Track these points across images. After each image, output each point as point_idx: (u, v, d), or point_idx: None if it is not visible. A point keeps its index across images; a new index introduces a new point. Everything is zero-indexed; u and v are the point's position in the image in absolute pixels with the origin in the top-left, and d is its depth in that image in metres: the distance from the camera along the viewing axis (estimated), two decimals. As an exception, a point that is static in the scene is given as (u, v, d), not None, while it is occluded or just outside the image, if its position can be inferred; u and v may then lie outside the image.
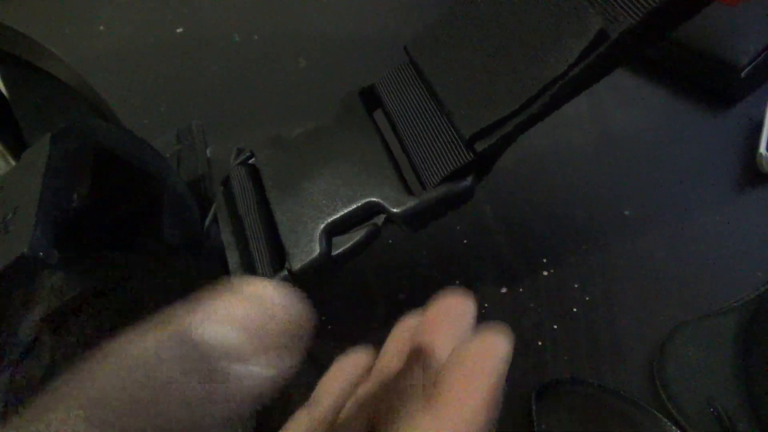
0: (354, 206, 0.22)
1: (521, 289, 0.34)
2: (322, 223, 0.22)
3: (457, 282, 0.24)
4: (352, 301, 0.33)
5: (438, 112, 0.21)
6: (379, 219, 0.22)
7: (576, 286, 0.33)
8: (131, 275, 0.25)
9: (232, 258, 0.24)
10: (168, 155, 0.32)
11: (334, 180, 0.23)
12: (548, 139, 0.40)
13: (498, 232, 0.36)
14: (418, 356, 0.18)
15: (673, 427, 0.28)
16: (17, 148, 0.33)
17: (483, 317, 0.26)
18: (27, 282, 0.19)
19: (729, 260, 0.33)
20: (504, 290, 0.34)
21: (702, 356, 0.29)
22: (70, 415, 0.11)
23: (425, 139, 0.21)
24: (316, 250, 0.21)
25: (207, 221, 0.28)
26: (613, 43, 0.17)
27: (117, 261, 0.25)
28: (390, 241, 0.33)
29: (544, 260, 0.35)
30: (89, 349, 0.24)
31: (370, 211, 0.22)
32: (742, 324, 0.30)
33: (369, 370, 0.20)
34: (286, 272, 0.22)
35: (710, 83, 0.39)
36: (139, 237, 0.25)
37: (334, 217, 0.22)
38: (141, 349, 0.12)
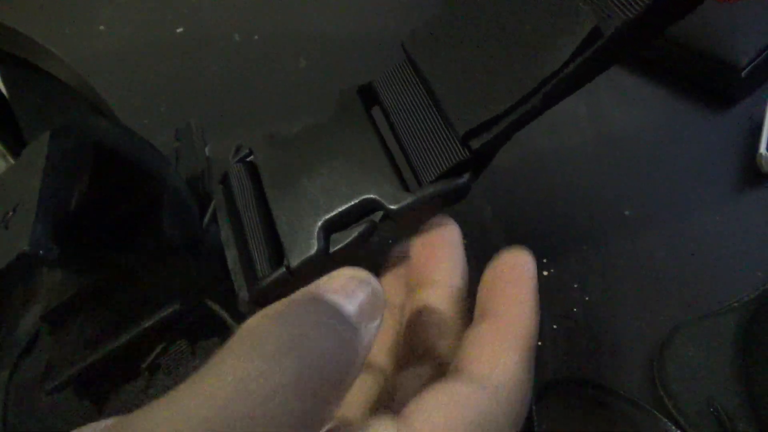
0: (351, 203, 0.22)
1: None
2: (320, 220, 0.22)
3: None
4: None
5: (434, 110, 0.21)
6: (376, 216, 0.22)
7: (576, 286, 0.33)
8: (131, 274, 0.25)
9: (231, 255, 0.24)
10: (167, 154, 0.32)
11: (331, 177, 0.23)
12: (548, 139, 0.40)
13: (498, 232, 0.36)
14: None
15: (673, 427, 0.28)
16: (17, 148, 0.33)
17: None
18: (27, 278, 0.19)
19: (729, 260, 0.33)
20: (504, 290, 0.34)
21: (702, 356, 0.29)
22: None
23: (422, 136, 0.21)
24: (314, 246, 0.21)
25: (206, 219, 0.28)
26: (607, 41, 0.17)
27: (117, 259, 0.25)
28: (390, 241, 0.33)
29: (544, 260, 0.35)
30: (88, 347, 0.24)
31: (368, 207, 0.22)
32: (742, 324, 0.30)
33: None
34: (284, 269, 0.22)
35: (710, 83, 0.39)
36: (138, 236, 0.25)
37: (332, 214, 0.22)
38: None
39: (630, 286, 0.33)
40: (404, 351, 0.22)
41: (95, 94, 0.31)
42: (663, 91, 0.40)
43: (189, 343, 0.24)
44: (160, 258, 0.25)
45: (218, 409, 0.12)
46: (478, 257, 0.35)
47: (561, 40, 0.18)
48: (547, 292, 0.34)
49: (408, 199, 0.21)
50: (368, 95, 0.24)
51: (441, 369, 0.20)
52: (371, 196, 0.22)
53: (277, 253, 0.23)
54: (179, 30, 0.54)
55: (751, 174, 0.35)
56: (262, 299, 0.23)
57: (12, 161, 0.33)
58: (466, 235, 0.25)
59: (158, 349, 0.24)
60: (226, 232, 0.25)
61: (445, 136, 0.21)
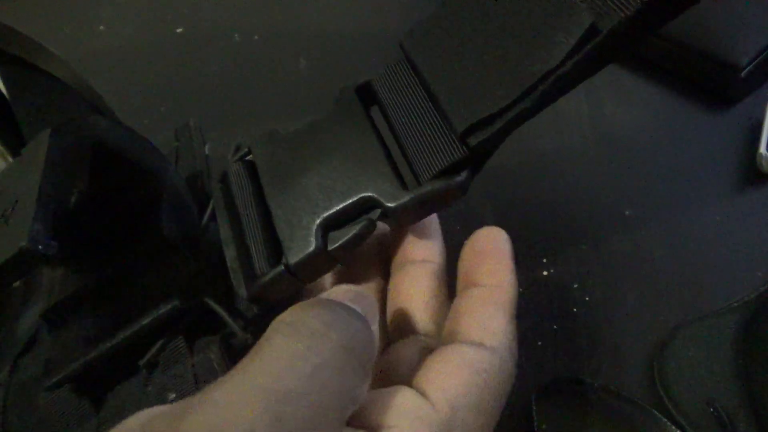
0: (349, 201, 0.22)
1: (521, 289, 0.34)
2: (318, 218, 0.22)
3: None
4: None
5: (432, 108, 0.21)
6: (374, 214, 0.22)
7: (576, 286, 0.33)
8: (130, 272, 0.25)
9: (229, 253, 0.24)
10: (167, 153, 0.32)
11: (329, 175, 0.23)
12: (548, 139, 0.40)
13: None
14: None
15: (673, 427, 0.28)
16: (17, 148, 0.32)
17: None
18: (27, 274, 0.19)
19: (729, 260, 0.33)
20: (504, 290, 0.34)
21: (702, 356, 0.29)
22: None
23: (420, 134, 0.21)
24: (312, 244, 0.22)
25: (205, 218, 0.28)
26: (604, 38, 0.17)
27: (116, 257, 0.25)
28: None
29: (544, 260, 0.35)
30: (87, 345, 0.24)
31: (366, 205, 0.22)
32: (742, 324, 0.30)
33: None
34: (282, 266, 0.22)
35: (710, 83, 0.39)
36: (137, 234, 0.25)
37: (330, 212, 0.22)
38: None
39: (630, 286, 0.33)
40: (393, 327, 0.23)
41: (95, 94, 0.31)
42: (663, 91, 0.40)
43: (187, 341, 0.24)
44: (159, 256, 0.25)
45: (273, 383, 0.14)
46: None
47: (558, 37, 0.18)
48: (547, 292, 0.34)
49: (405, 198, 0.21)
50: (366, 94, 0.24)
51: (429, 339, 0.22)
52: (369, 194, 0.22)
53: (276, 250, 0.23)
54: (179, 30, 0.54)
55: (751, 174, 0.35)
56: (260, 297, 0.23)
57: (12, 161, 0.33)
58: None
59: (156, 347, 0.24)
60: (225, 231, 0.25)
61: (442, 134, 0.21)
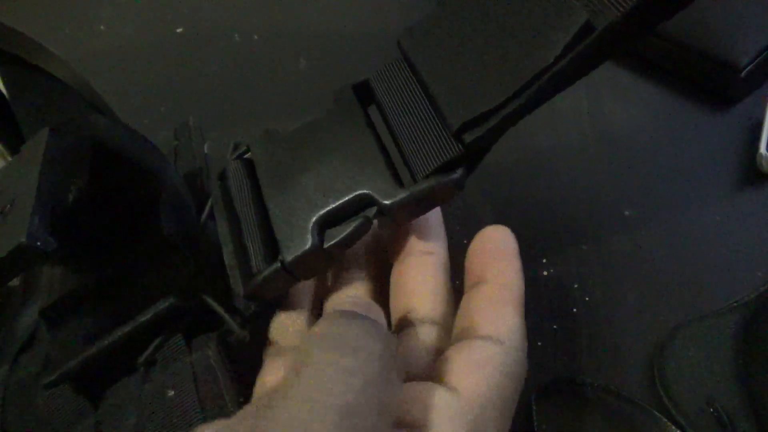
0: (345, 198, 0.22)
1: (521, 289, 0.34)
2: (314, 215, 0.22)
3: (457, 282, 0.24)
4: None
5: (429, 106, 0.21)
6: (370, 211, 0.22)
7: (576, 286, 0.33)
8: (129, 270, 0.25)
9: (227, 251, 0.24)
10: (166, 152, 0.32)
11: (326, 173, 0.23)
12: (548, 139, 0.40)
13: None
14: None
15: (673, 427, 0.28)
16: (17, 148, 0.33)
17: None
18: (25, 270, 0.19)
19: (729, 260, 0.33)
20: (504, 290, 0.34)
21: (702, 356, 0.29)
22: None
23: (416, 131, 0.21)
24: (308, 242, 0.22)
25: (203, 216, 0.28)
26: (599, 35, 0.17)
27: (115, 256, 0.25)
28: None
29: (544, 260, 0.35)
30: (86, 342, 0.24)
31: (362, 203, 0.22)
32: (742, 324, 0.30)
33: None
34: (278, 264, 0.22)
35: (710, 83, 0.39)
36: (137, 232, 0.25)
37: (326, 209, 0.22)
38: None
39: (630, 286, 0.33)
40: (398, 315, 0.23)
41: (95, 94, 0.31)
42: (663, 91, 0.40)
43: (185, 339, 0.24)
44: (158, 255, 0.25)
45: (335, 399, 0.15)
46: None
47: (553, 34, 0.18)
48: (547, 292, 0.34)
49: (401, 195, 0.21)
50: (364, 92, 0.24)
51: (437, 328, 0.22)
52: (365, 191, 0.22)
53: (273, 248, 0.23)
54: (179, 30, 0.54)
55: (751, 174, 0.35)
56: (257, 294, 0.23)
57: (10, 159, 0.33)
58: (466, 235, 0.25)
59: (154, 344, 0.24)
60: (223, 228, 0.25)
61: (438, 132, 0.21)
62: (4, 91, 0.30)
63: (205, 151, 0.33)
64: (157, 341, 0.24)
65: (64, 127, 0.21)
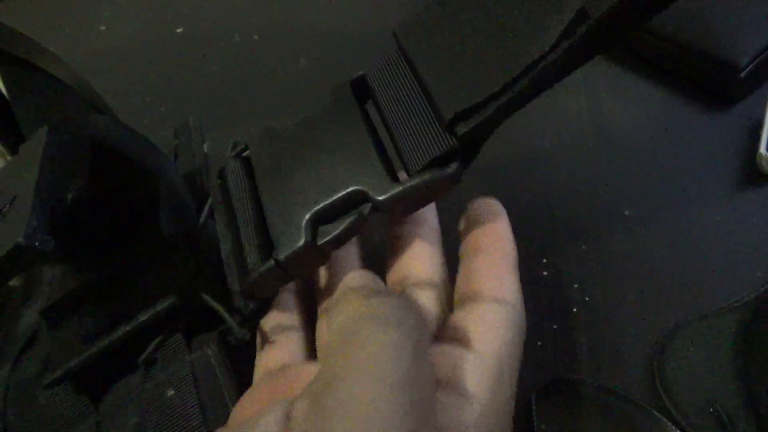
0: (339, 195, 0.22)
1: (521, 289, 0.34)
2: (308, 212, 0.22)
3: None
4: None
5: (424, 99, 0.21)
6: (365, 208, 0.22)
7: (576, 286, 0.33)
8: (128, 269, 0.25)
9: (225, 248, 0.24)
10: (166, 151, 0.32)
11: (321, 169, 0.23)
12: (548, 139, 0.40)
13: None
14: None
15: (673, 427, 0.28)
16: (17, 148, 0.33)
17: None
18: (24, 270, 0.19)
19: (729, 260, 0.33)
20: (504, 290, 0.34)
21: (702, 356, 0.29)
22: None
23: (410, 125, 0.21)
24: (302, 239, 0.22)
25: (203, 215, 0.28)
26: (595, 24, 0.17)
27: (115, 256, 0.25)
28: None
29: (544, 260, 0.35)
30: (86, 342, 0.24)
31: (356, 199, 0.22)
32: (742, 324, 0.30)
33: None
34: (272, 261, 0.22)
35: (710, 83, 0.39)
36: (137, 231, 0.25)
37: (320, 206, 0.22)
38: None
39: (630, 286, 0.33)
40: (395, 277, 0.24)
41: (95, 94, 0.31)
42: (663, 91, 0.40)
43: (184, 338, 0.24)
44: (158, 254, 0.25)
45: (391, 375, 0.16)
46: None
47: (548, 23, 0.18)
48: (547, 292, 0.34)
49: (394, 190, 0.21)
50: (362, 87, 0.24)
51: (438, 294, 0.23)
52: (359, 187, 0.21)
53: (268, 246, 0.23)
54: (179, 30, 0.54)
55: (751, 174, 0.35)
56: (252, 291, 0.23)
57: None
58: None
59: (154, 344, 0.24)
60: (221, 227, 0.25)
61: (432, 125, 0.20)
62: (4, 91, 0.30)
63: (205, 150, 0.33)
64: (157, 340, 0.24)
65: (62, 126, 0.21)
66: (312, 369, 0.21)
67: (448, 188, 0.21)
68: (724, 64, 0.37)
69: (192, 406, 0.22)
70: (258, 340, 0.25)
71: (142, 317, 0.23)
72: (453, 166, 0.20)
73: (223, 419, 0.22)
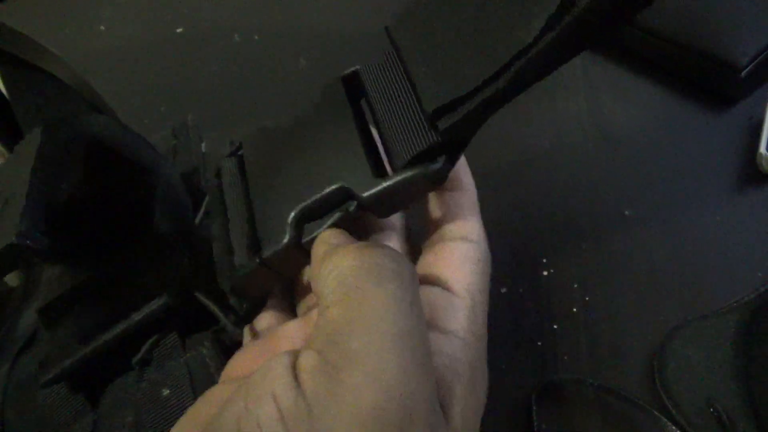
0: (324, 192, 0.21)
1: (521, 289, 0.34)
2: (294, 210, 0.22)
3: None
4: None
5: (412, 94, 0.21)
6: (350, 205, 0.21)
7: (576, 286, 0.33)
8: (124, 268, 0.25)
9: (217, 247, 0.24)
10: (165, 151, 0.32)
11: (308, 167, 0.22)
12: (548, 139, 0.40)
13: (498, 232, 0.36)
14: None
15: (673, 427, 0.28)
16: (17, 148, 0.33)
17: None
18: (17, 268, 0.19)
19: (729, 260, 0.33)
20: (504, 290, 0.34)
21: (702, 356, 0.29)
22: None
23: (398, 121, 0.21)
24: (286, 237, 0.21)
25: (200, 214, 0.28)
26: (579, 15, 0.16)
27: (111, 254, 0.25)
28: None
29: (544, 260, 0.35)
30: (82, 341, 0.24)
31: (341, 196, 0.21)
32: (742, 324, 0.30)
33: None
34: (258, 259, 0.22)
35: (710, 83, 0.39)
36: (133, 229, 0.25)
37: (305, 203, 0.22)
38: None
39: (630, 286, 0.33)
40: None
41: (95, 94, 0.32)
42: (663, 91, 0.40)
43: (179, 336, 0.24)
44: (153, 252, 0.25)
45: (394, 327, 0.16)
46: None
47: (531, 15, 0.17)
48: (547, 292, 0.34)
49: (377, 187, 0.21)
50: (355, 84, 0.24)
51: (401, 237, 0.24)
52: (343, 184, 0.21)
53: (256, 244, 0.23)
54: (179, 30, 0.54)
55: (751, 174, 0.35)
56: (240, 289, 0.23)
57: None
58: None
59: (149, 343, 0.24)
60: (215, 225, 0.25)
61: (417, 120, 0.20)
62: (4, 91, 0.30)
63: (203, 150, 0.33)
64: (152, 340, 0.24)
65: (57, 125, 0.21)
66: (295, 325, 0.22)
67: (434, 184, 0.21)
68: (724, 64, 0.37)
69: (188, 405, 0.22)
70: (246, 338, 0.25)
71: (137, 316, 0.23)
72: (439, 162, 0.20)
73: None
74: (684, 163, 0.37)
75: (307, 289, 0.25)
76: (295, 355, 0.17)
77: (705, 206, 0.35)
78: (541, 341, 0.32)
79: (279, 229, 0.22)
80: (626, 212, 0.36)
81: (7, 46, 0.28)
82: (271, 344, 0.22)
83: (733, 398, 0.28)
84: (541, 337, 0.32)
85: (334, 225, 0.21)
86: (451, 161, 0.20)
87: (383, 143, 0.22)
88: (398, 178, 0.20)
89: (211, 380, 0.23)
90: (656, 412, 0.28)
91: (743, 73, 0.36)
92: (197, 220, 0.28)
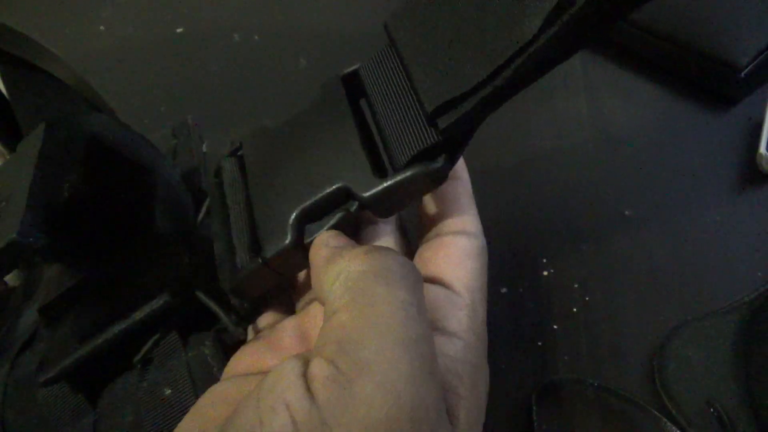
0: (324, 192, 0.21)
1: (521, 289, 0.34)
2: (295, 210, 0.22)
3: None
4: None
5: (411, 92, 0.21)
6: (351, 205, 0.21)
7: (576, 286, 0.33)
8: (124, 266, 0.25)
9: (218, 247, 0.24)
10: (165, 151, 0.32)
11: (308, 167, 0.22)
12: (548, 139, 0.40)
13: (498, 232, 0.36)
14: None
15: (673, 427, 0.28)
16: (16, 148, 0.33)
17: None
18: (17, 266, 0.20)
19: (729, 260, 0.33)
20: (504, 290, 0.34)
21: (702, 356, 0.29)
22: None
23: (397, 120, 0.21)
24: (288, 237, 0.21)
25: (201, 214, 0.28)
26: (578, 11, 0.16)
27: (112, 253, 0.25)
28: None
29: (544, 260, 0.35)
30: (82, 340, 0.24)
31: (342, 196, 0.21)
32: (742, 324, 0.30)
33: None
34: (259, 260, 0.22)
35: (710, 83, 0.39)
36: (133, 229, 0.25)
37: (306, 204, 0.22)
38: None
39: (630, 286, 0.33)
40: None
41: (95, 94, 0.31)
42: (663, 91, 0.40)
43: (180, 336, 0.24)
44: (154, 252, 0.25)
45: (403, 332, 0.16)
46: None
47: (530, 9, 0.17)
48: (547, 292, 0.34)
49: (378, 187, 0.20)
50: (355, 82, 0.24)
51: (396, 235, 0.24)
52: (344, 184, 0.21)
53: (257, 244, 0.23)
54: (179, 30, 0.54)
55: (751, 174, 0.35)
56: (241, 290, 0.23)
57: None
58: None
59: (150, 342, 0.24)
60: (215, 225, 0.25)
61: (417, 119, 0.20)
62: (4, 91, 0.30)
63: (204, 150, 0.33)
64: (153, 339, 0.24)
65: (59, 123, 0.21)
66: (293, 321, 0.22)
67: (435, 184, 0.21)
68: (724, 64, 0.37)
69: (189, 405, 0.22)
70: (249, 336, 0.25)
71: (137, 316, 0.23)
72: (440, 161, 0.20)
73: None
74: (684, 163, 0.37)
75: (305, 286, 0.25)
76: (304, 361, 0.17)
77: (705, 206, 0.35)
78: (541, 341, 0.32)
79: (280, 230, 0.22)
80: (626, 212, 0.36)
81: (7, 46, 0.28)
82: (271, 341, 0.22)
83: (733, 398, 0.28)
84: (541, 337, 0.32)
85: (336, 225, 0.21)
86: (452, 160, 0.20)
87: (383, 142, 0.22)
88: (399, 177, 0.20)
89: (213, 380, 0.23)
90: (656, 412, 0.28)
91: (743, 73, 0.36)
92: (198, 220, 0.28)
